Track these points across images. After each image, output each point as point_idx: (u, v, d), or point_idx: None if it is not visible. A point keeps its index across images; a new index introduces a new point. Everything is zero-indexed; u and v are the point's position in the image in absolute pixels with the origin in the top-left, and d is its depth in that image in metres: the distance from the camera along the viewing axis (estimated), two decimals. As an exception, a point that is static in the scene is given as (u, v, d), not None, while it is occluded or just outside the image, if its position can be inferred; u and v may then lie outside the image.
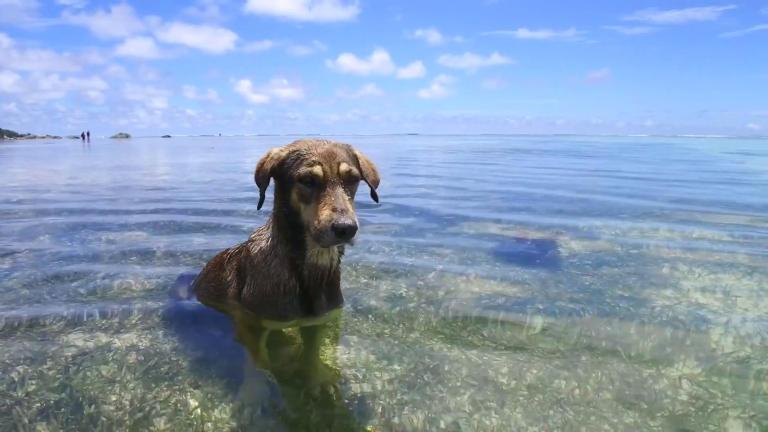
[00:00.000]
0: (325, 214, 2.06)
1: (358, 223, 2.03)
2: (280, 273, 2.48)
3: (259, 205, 2.42)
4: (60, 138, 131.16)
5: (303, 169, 2.18)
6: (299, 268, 2.44)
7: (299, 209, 2.25)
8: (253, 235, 2.71)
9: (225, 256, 3.01)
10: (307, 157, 2.21)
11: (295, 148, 2.31)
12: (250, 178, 2.30)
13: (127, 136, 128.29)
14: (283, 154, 2.33)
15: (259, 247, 2.60)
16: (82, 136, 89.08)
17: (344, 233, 2.01)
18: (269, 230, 2.57)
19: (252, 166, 2.40)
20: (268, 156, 2.39)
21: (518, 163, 19.24)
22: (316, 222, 2.09)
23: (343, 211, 2.04)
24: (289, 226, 2.37)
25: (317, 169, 2.17)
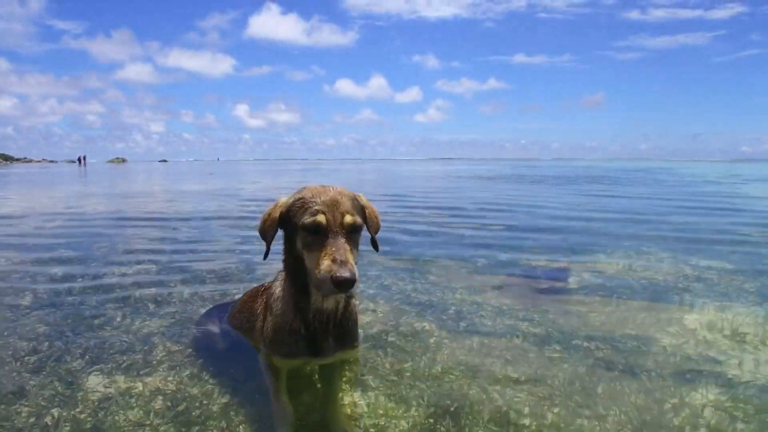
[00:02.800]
0: (325, 264, 2.11)
1: (357, 275, 2.08)
2: (285, 313, 2.56)
3: (266, 256, 2.53)
4: (56, 162, 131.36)
5: (307, 218, 2.24)
6: (304, 311, 2.51)
7: (302, 256, 2.31)
8: (277, 274, 2.83)
9: (260, 288, 3.10)
10: (311, 205, 2.28)
11: (300, 196, 2.39)
12: (256, 206, 2.39)
13: (123, 161, 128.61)
14: (290, 201, 2.43)
15: (276, 287, 2.73)
16: (79, 160, 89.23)
17: (342, 285, 2.05)
18: (283, 273, 2.67)
19: (254, 193, 2.49)
20: (276, 204, 2.50)
21: (519, 191, 19.38)
22: (317, 271, 2.14)
23: (343, 263, 2.08)
24: (296, 271, 2.45)
25: (320, 218, 2.23)
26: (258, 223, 2.56)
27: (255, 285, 3.42)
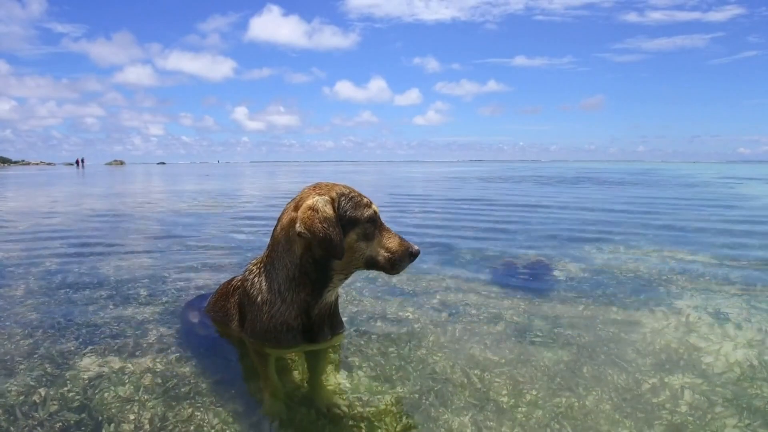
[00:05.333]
0: (395, 244, 2.45)
1: None
2: (285, 314, 2.55)
3: (342, 254, 2.36)
4: (54, 165, 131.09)
5: (368, 211, 2.45)
6: (310, 309, 2.55)
7: (354, 249, 2.43)
8: (247, 275, 2.75)
9: (230, 287, 3.07)
10: (360, 199, 2.48)
11: (339, 192, 2.47)
12: (250, 205, 2.42)
13: (121, 163, 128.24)
14: (333, 195, 2.42)
15: (257, 290, 2.63)
16: (77, 162, 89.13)
17: (417, 255, 2.47)
18: (270, 275, 2.60)
19: (250, 192, 2.52)
20: (317, 204, 2.35)
21: (512, 190, 19.48)
22: (387, 253, 2.43)
23: (407, 240, 2.49)
24: (317, 270, 2.46)
25: (376, 208, 2.49)
26: (301, 227, 2.34)
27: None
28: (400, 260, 2.43)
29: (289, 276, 2.50)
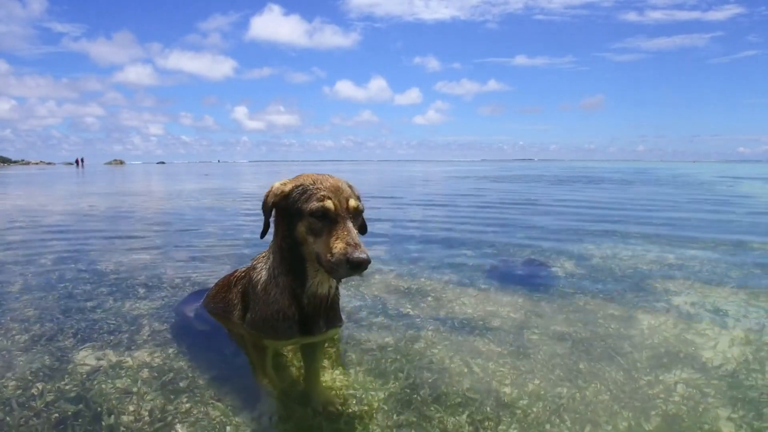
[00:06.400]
0: (339, 247, 2.15)
1: (370, 257, 2.13)
2: (280, 301, 2.59)
3: (263, 235, 2.60)
4: (54, 164, 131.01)
5: (314, 204, 2.28)
6: (299, 297, 2.56)
7: (306, 242, 2.35)
8: (254, 262, 2.84)
9: (232, 278, 3.11)
10: (315, 191, 2.32)
11: (299, 183, 2.42)
12: (248, 205, 2.44)
13: (121, 163, 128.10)
14: (287, 188, 2.44)
15: (260, 276, 2.71)
16: (77, 162, 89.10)
17: (359, 266, 2.10)
18: (270, 260, 2.67)
19: (245, 192, 2.53)
20: (270, 192, 2.49)
21: (510, 188, 19.48)
22: (329, 255, 2.17)
23: (357, 246, 2.13)
24: (292, 257, 2.49)
25: (329, 204, 2.27)
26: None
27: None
28: (336, 266, 2.15)
29: (281, 258, 2.57)
